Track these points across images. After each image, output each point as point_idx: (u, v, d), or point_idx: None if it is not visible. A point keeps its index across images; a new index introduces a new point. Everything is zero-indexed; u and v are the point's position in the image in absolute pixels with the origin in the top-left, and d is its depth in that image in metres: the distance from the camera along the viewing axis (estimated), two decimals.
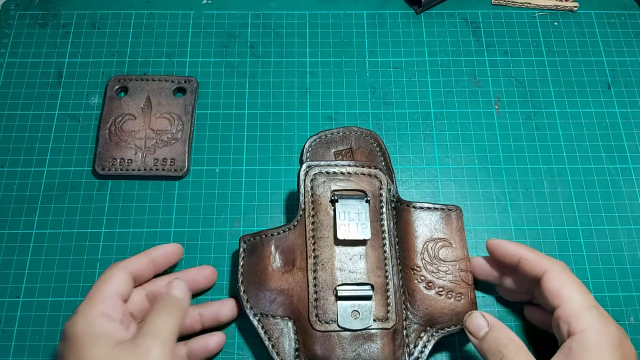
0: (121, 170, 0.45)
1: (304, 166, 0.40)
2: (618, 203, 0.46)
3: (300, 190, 0.40)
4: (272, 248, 0.39)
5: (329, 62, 0.51)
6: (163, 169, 0.46)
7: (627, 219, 0.45)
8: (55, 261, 0.43)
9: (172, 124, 0.47)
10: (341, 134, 0.44)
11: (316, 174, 0.40)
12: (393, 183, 0.42)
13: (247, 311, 0.38)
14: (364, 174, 0.41)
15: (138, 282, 0.37)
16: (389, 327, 0.37)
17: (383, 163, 0.43)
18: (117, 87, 0.49)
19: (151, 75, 0.49)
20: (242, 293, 0.38)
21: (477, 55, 0.52)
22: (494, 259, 0.39)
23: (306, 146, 0.44)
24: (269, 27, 0.53)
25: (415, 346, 0.38)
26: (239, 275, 0.39)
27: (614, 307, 0.42)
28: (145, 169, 0.45)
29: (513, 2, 0.54)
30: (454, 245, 0.40)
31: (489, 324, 0.35)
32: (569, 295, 0.34)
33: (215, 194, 0.46)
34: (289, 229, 0.39)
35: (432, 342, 0.38)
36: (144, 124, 0.47)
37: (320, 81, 0.50)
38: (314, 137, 0.44)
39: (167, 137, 0.47)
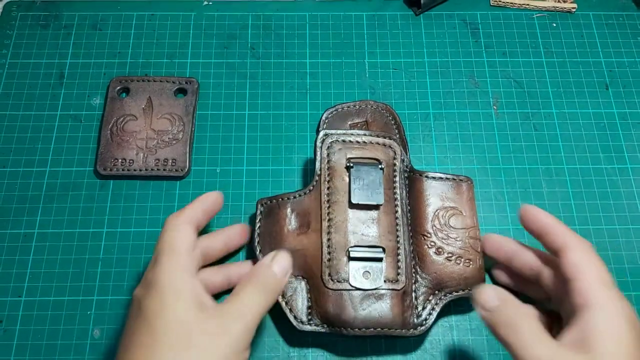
0: (123, 170, 0.46)
1: (321, 134, 0.42)
2: (616, 203, 0.46)
3: (317, 157, 0.41)
4: (288, 211, 0.40)
5: (329, 63, 0.52)
6: (164, 169, 0.46)
7: (625, 219, 0.45)
8: (57, 261, 0.43)
9: (173, 125, 0.48)
10: (357, 107, 0.46)
11: (332, 141, 0.41)
12: (407, 154, 0.43)
13: None
14: (379, 144, 0.42)
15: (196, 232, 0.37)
16: (399, 288, 0.38)
17: (397, 135, 0.45)
18: (118, 87, 0.49)
19: (152, 76, 0.50)
20: (258, 252, 0.39)
21: (475, 57, 0.52)
22: (523, 224, 0.37)
23: (323, 118, 0.45)
24: (270, 28, 0.53)
25: (423, 308, 0.39)
26: (256, 236, 0.40)
27: None
28: (146, 169, 0.46)
29: (512, 3, 0.54)
30: (464, 214, 0.41)
31: (499, 297, 0.33)
32: (590, 269, 0.33)
33: None
34: (305, 193, 0.41)
35: (440, 305, 0.39)
36: (145, 124, 0.48)
37: (320, 82, 0.51)
38: (331, 110, 0.46)
39: (168, 138, 0.47)
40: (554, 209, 0.46)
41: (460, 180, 0.42)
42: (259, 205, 0.41)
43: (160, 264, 0.33)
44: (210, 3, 0.54)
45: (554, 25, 0.54)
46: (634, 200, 0.46)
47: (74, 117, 0.49)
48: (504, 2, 0.54)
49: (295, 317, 0.38)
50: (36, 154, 0.47)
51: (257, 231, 0.40)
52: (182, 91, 0.49)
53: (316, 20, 0.53)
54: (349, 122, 0.45)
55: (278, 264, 0.34)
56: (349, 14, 0.54)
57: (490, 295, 0.33)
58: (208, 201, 0.38)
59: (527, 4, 0.54)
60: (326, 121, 0.45)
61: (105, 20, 0.53)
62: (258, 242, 0.40)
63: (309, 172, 0.47)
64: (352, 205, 0.39)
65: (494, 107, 0.50)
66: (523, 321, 0.32)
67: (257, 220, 0.41)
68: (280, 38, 0.53)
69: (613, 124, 0.49)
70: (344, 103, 0.46)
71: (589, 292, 0.32)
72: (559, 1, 0.54)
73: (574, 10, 0.54)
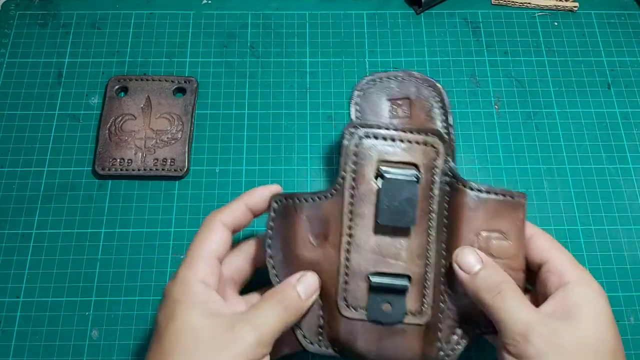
0: (121, 170, 0.45)
1: (349, 128, 0.35)
2: (618, 203, 0.46)
3: (343, 152, 0.35)
4: (304, 216, 0.35)
5: (329, 62, 0.51)
6: (163, 169, 0.46)
7: (627, 219, 0.45)
8: (55, 261, 0.43)
9: (172, 124, 0.47)
10: (399, 78, 0.39)
11: (362, 137, 0.35)
12: (452, 151, 0.37)
13: (272, 278, 0.35)
14: (419, 143, 0.35)
15: (237, 231, 0.36)
16: (422, 322, 0.34)
17: (444, 124, 0.38)
18: (117, 87, 0.49)
19: (151, 75, 0.49)
20: (268, 257, 0.35)
21: (477, 55, 0.52)
22: None
23: (357, 89, 0.38)
24: (269, 27, 0.53)
25: (447, 342, 0.34)
26: (267, 239, 0.35)
27: (615, 307, 0.42)
28: (145, 169, 0.45)
29: (513, 2, 0.54)
30: (510, 240, 0.35)
31: (482, 261, 0.34)
32: (558, 252, 0.35)
33: (215, 194, 0.46)
34: (325, 197, 0.35)
35: (465, 342, 0.34)
36: (144, 124, 0.47)
37: (320, 81, 0.50)
38: (367, 79, 0.39)
39: (167, 137, 0.47)
40: (555, 209, 0.45)
41: (512, 196, 0.35)
42: (273, 202, 0.35)
43: (176, 277, 0.32)
44: (210, 2, 0.54)
45: (556, 24, 0.53)
46: (636, 200, 0.46)
47: (72, 116, 0.48)
48: (505, 1, 0.54)
49: (304, 336, 0.34)
50: (34, 153, 0.47)
51: (269, 233, 0.35)
52: (181, 90, 0.49)
53: (316, 18, 0.53)
54: (388, 97, 0.38)
55: (303, 285, 0.33)
56: (349, 12, 0.54)
57: (473, 258, 0.34)
58: (254, 198, 0.36)
59: (529, 3, 0.54)
60: (361, 93, 0.38)
61: (103, 19, 0.53)
62: (269, 245, 0.35)
63: (308, 172, 0.46)
64: (379, 224, 0.34)
65: (496, 106, 0.50)
66: (507, 286, 0.32)
67: (270, 220, 0.35)
68: (280, 37, 0.52)
69: (615, 123, 0.49)
70: (382, 72, 0.39)
71: (564, 271, 0.33)
72: (560, 0, 0.54)
73: (575, 9, 0.54)
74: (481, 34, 0.53)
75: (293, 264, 0.35)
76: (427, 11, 0.54)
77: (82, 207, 0.45)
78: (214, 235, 0.34)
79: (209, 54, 0.51)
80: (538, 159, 0.47)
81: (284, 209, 0.35)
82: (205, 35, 0.52)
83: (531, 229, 0.36)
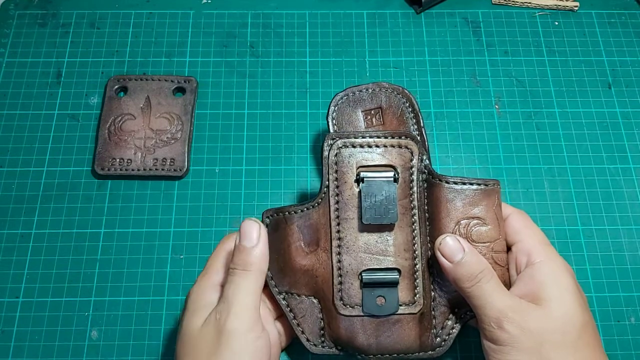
0: (120, 170, 0.45)
1: (328, 140, 0.37)
2: (619, 203, 0.46)
3: (324, 166, 0.37)
4: (295, 227, 0.37)
5: (329, 62, 0.51)
6: (162, 169, 0.45)
7: (628, 219, 0.45)
8: (54, 261, 0.43)
9: (172, 124, 0.47)
10: (370, 90, 0.42)
11: (341, 147, 0.37)
12: (426, 150, 0.39)
13: (272, 289, 0.37)
14: (393, 146, 0.37)
15: None
16: (416, 311, 0.36)
17: (415, 125, 0.41)
18: (116, 86, 0.49)
19: (151, 75, 0.49)
20: (267, 270, 0.37)
21: (477, 55, 0.52)
22: None
23: (332, 104, 0.41)
24: (269, 26, 0.53)
25: (442, 328, 0.37)
26: None
27: (615, 307, 0.42)
28: (144, 169, 0.45)
29: (514, 1, 0.54)
30: (489, 225, 0.37)
31: (464, 249, 0.34)
32: (529, 232, 0.36)
33: (215, 194, 0.45)
34: (313, 207, 0.37)
35: (460, 325, 0.37)
36: (144, 123, 0.47)
37: (320, 81, 0.50)
38: (341, 95, 0.42)
39: (167, 137, 0.47)
40: (556, 209, 0.45)
41: (486, 185, 0.37)
42: (265, 217, 0.38)
43: (195, 282, 0.36)
44: (209, 1, 0.54)
45: (556, 23, 0.53)
46: (637, 200, 0.46)
47: (72, 116, 0.48)
48: (505, 1, 0.54)
49: (307, 340, 0.37)
50: (33, 153, 0.47)
51: None
52: (180, 90, 0.49)
53: (316, 18, 0.53)
54: (361, 109, 0.41)
55: (242, 238, 0.35)
56: (349, 12, 0.53)
57: (455, 248, 0.35)
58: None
59: (529, 3, 0.54)
60: (336, 108, 0.41)
61: (103, 19, 0.53)
62: None
63: (308, 172, 0.46)
64: (364, 224, 0.36)
65: (496, 106, 0.49)
66: (486, 275, 0.34)
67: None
68: (280, 36, 0.52)
69: (616, 123, 0.49)
70: (355, 86, 0.42)
71: (532, 251, 0.35)
72: None
73: (576, 8, 0.54)
74: (481, 33, 0.53)
75: (290, 272, 0.37)
76: (427, 11, 0.54)
77: (81, 207, 0.45)
78: (227, 248, 0.37)
79: (209, 53, 0.51)
80: (539, 158, 0.47)
81: (276, 222, 0.37)
82: (205, 34, 0.52)
83: (507, 210, 0.38)
